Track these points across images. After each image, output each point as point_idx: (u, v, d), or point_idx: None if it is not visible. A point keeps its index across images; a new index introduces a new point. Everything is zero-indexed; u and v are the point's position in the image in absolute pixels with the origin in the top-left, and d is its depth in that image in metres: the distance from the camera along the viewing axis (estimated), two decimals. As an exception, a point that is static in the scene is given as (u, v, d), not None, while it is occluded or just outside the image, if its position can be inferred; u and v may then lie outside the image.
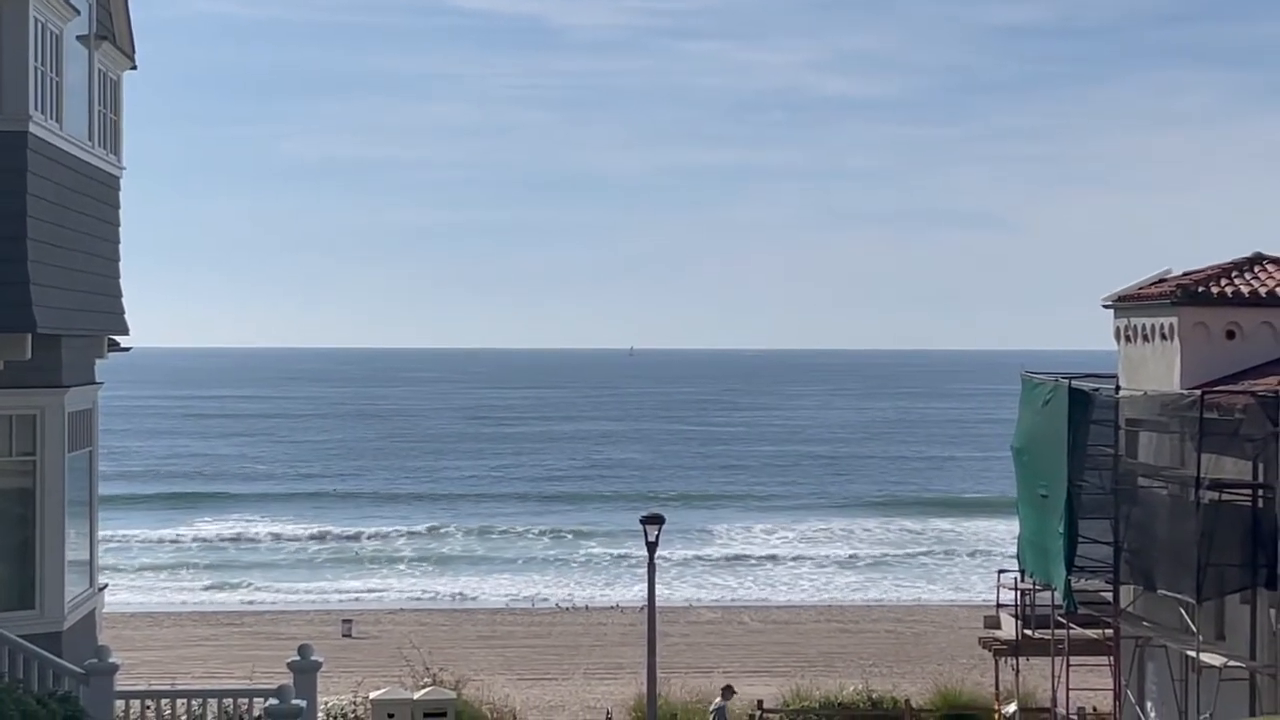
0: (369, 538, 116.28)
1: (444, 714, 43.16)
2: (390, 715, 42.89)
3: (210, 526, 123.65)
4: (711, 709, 42.55)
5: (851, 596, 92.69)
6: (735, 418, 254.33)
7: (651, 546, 44.17)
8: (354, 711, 45.02)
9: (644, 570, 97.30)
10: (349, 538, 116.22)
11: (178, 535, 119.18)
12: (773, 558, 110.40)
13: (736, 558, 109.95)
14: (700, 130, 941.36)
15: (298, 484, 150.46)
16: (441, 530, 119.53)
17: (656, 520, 44.34)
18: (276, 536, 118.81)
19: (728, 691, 42.36)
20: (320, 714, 44.64)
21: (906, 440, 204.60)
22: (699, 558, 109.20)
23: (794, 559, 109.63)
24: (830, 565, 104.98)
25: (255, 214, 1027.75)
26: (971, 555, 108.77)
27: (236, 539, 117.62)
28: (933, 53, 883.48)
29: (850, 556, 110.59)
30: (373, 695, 44.15)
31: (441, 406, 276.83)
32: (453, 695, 44.18)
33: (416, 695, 43.77)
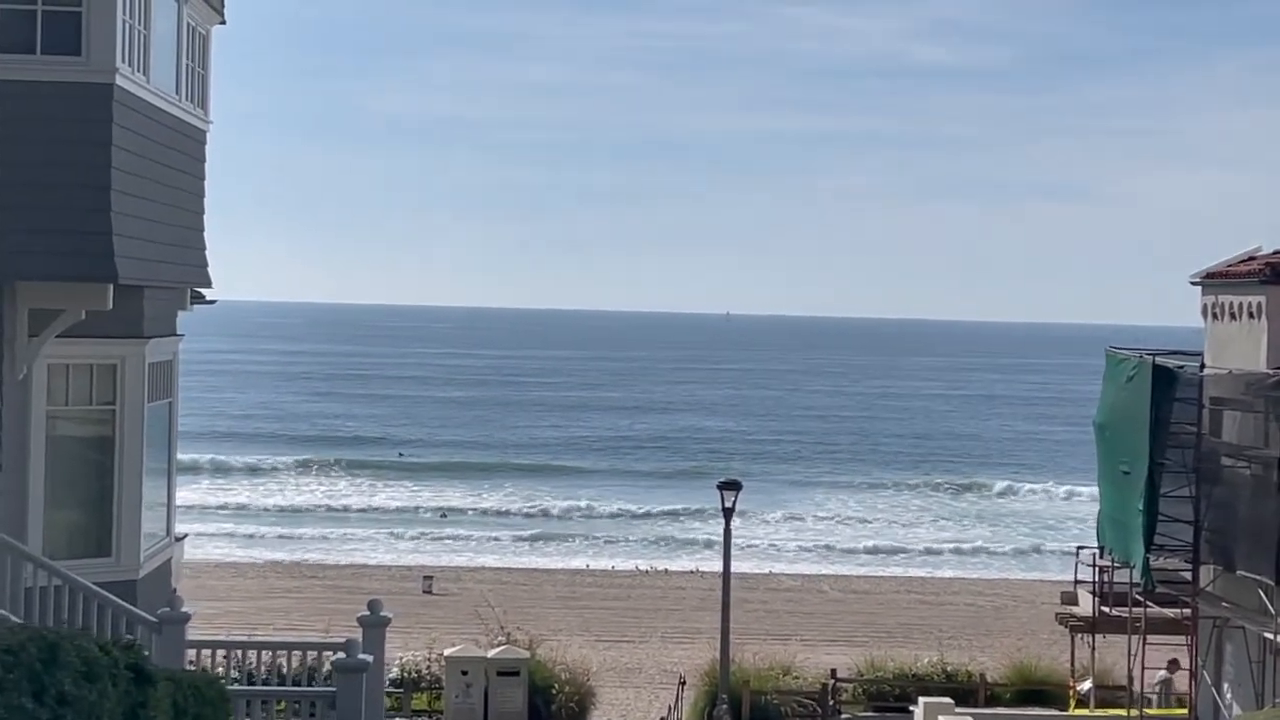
0: (457, 502, 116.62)
1: (517, 673, 43.39)
2: (464, 673, 43.13)
3: (304, 482, 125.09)
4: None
5: (934, 569, 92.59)
6: (829, 385, 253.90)
7: (728, 512, 44.26)
8: (429, 668, 45.24)
9: (734, 540, 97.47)
10: (439, 500, 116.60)
11: (277, 488, 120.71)
12: (859, 523, 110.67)
13: (819, 525, 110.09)
14: (794, 95, 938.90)
15: (381, 448, 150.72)
16: (531, 497, 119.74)
17: (734, 486, 44.42)
18: (361, 490, 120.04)
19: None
20: (396, 669, 45.01)
21: (998, 415, 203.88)
22: (785, 524, 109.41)
23: (873, 527, 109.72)
24: (916, 541, 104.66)
25: (348, 171, 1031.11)
26: (1061, 530, 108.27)
27: (329, 495, 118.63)
28: (1030, 21, 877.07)
29: (935, 530, 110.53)
30: (447, 652, 44.38)
31: (530, 370, 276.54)
32: (526, 655, 44.37)
33: (491, 654, 43.99)
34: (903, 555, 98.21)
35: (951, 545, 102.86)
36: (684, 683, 47.82)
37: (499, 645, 44.97)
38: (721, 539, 44.23)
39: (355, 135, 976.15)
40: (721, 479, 45.72)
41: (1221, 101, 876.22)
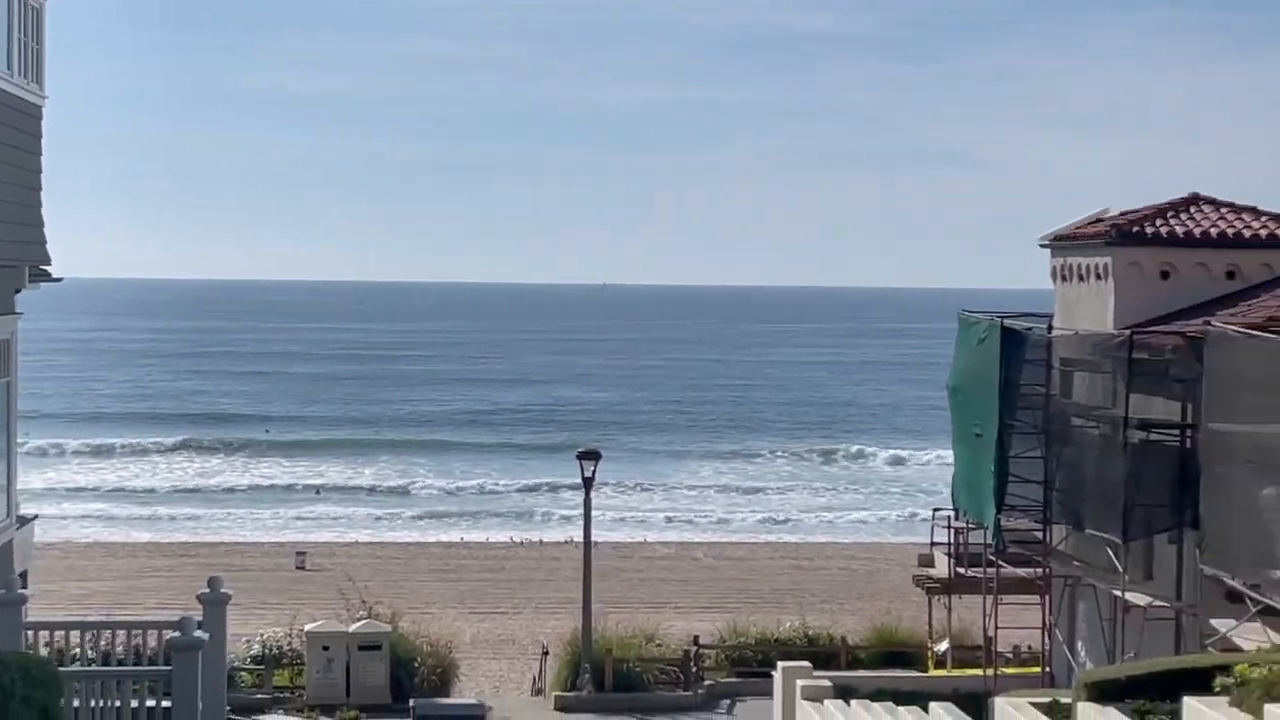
0: (332, 478, 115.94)
1: (379, 646, 43.28)
2: (325, 648, 42.97)
3: (177, 462, 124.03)
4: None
5: (808, 535, 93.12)
6: (706, 354, 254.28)
7: (588, 482, 44.34)
8: (289, 644, 45.00)
9: (607, 510, 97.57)
10: (313, 478, 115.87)
11: (149, 469, 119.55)
12: (734, 491, 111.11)
13: (692, 493, 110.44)
14: (676, 66, 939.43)
15: (252, 426, 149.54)
16: (406, 472, 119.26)
17: (593, 456, 44.49)
18: (237, 469, 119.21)
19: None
20: (257, 646, 44.78)
21: (874, 381, 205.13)
22: (660, 493, 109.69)
23: (747, 495, 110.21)
24: (790, 508, 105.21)
25: (221, 146, 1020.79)
26: (929, 494, 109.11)
27: (201, 475, 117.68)
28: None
29: (810, 496, 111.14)
30: (308, 628, 44.19)
31: (404, 344, 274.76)
32: (388, 629, 44.23)
33: (352, 628, 43.82)
34: (777, 522, 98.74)
35: (826, 511, 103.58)
36: (547, 653, 47.91)
37: (360, 620, 44.79)
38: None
39: (224, 109, 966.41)
40: (581, 449, 45.74)
41: (1095, 67, 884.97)
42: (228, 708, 31.90)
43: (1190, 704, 17.26)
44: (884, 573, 74.99)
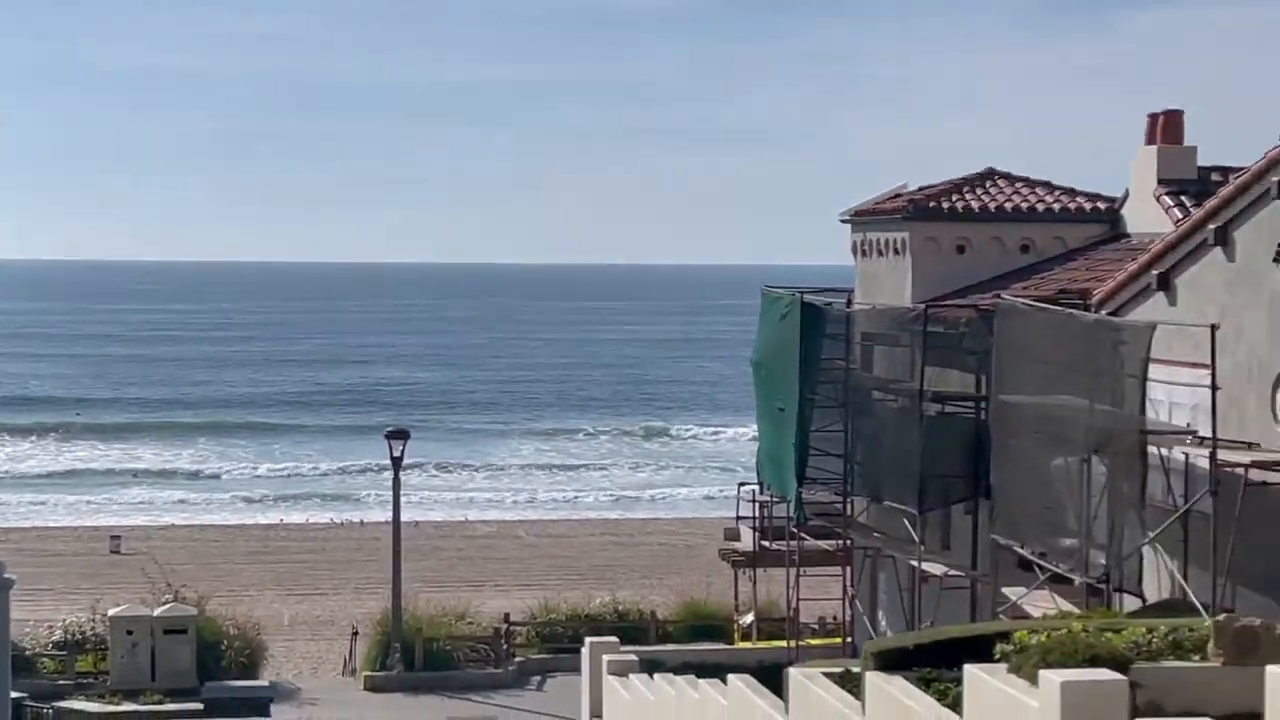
0: (149, 461, 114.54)
1: (184, 630, 42.95)
2: (129, 632, 42.56)
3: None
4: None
5: (628, 511, 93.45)
6: (526, 333, 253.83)
7: (396, 461, 44.25)
8: (93, 629, 44.51)
9: (429, 490, 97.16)
10: (130, 461, 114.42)
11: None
12: (556, 469, 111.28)
13: (514, 472, 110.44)
14: (495, 43, 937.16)
15: (64, 409, 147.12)
16: (225, 454, 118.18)
17: (401, 435, 44.41)
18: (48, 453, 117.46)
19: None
20: (60, 632, 44.26)
21: (696, 358, 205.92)
22: (481, 472, 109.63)
23: (569, 473, 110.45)
24: (611, 485, 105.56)
25: (22, 122, 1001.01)
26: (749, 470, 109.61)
27: (11, 459, 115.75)
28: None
29: (630, 473, 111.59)
30: (111, 612, 43.74)
31: (218, 324, 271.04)
32: (194, 612, 43.90)
33: (156, 612, 43.43)
34: (598, 499, 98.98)
35: (646, 487, 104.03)
36: (356, 633, 47.80)
37: (166, 604, 44.41)
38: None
39: (21, 81, 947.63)
40: (390, 429, 45.66)
41: (899, 44, 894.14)
42: (21, 694, 31.62)
43: (971, 671, 17.47)
44: (702, 547, 75.33)
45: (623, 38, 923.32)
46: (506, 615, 47.98)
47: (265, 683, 43.27)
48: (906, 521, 33.62)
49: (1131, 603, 26.81)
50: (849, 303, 38.00)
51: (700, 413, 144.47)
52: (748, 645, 41.50)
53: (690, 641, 44.34)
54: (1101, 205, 38.32)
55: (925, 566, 32.98)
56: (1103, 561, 26.21)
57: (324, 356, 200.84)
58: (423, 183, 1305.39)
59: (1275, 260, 25.41)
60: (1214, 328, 24.72)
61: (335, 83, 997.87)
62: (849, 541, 37.35)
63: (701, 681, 28.97)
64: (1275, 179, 25.20)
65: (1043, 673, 15.91)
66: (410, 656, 44.38)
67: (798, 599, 38.39)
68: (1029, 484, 28.64)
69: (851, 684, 21.13)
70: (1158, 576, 27.27)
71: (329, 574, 68.88)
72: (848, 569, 37.90)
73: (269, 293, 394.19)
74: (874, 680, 19.94)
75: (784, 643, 39.30)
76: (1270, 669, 13.52)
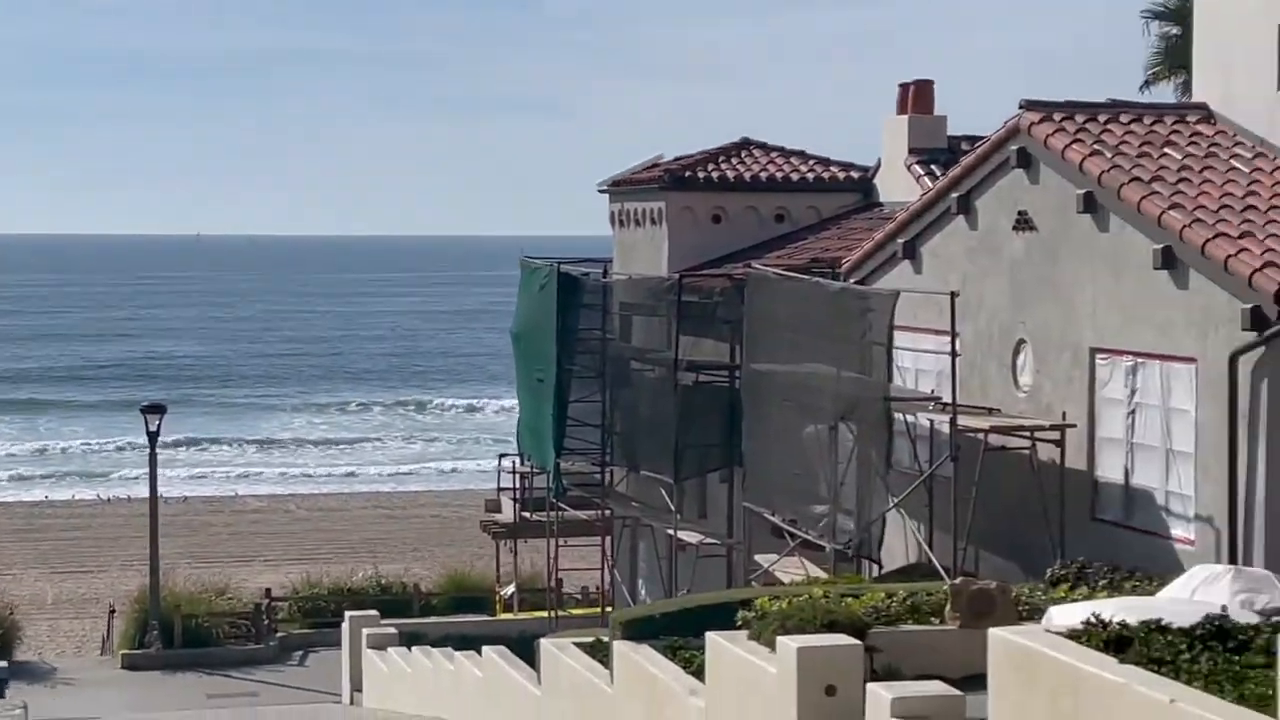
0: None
1: (-78, 611, 41.96)
2: None
3: None
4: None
5: (401, 484, 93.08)
6: (301, 305, 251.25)
7: (153, 436, 43.59)
8: None
9: (198, 464, 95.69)
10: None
11: None
12: (329, 444, 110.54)
13: (286, 446, 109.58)
14: (260, 12, 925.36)
15: None
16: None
17: (158, 410, 43.78)
18: None
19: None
20: None
21: (467, 330, 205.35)
22: (252, 446, 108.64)
23: (341, 447, 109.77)
24: (384, 458, 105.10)
25: None
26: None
27: None
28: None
29: (403, 444, 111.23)
30: None
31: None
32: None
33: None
34: (370, 472, 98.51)
35: (420, 460, 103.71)
36: (114, 611, 47.13)
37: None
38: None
39: None
40: (146, 403, 45.01)
41: (665, 16, 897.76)
42: None
43: (712, 639, 17.63)
44: (473, 520, 75.20)
45: (387, 4, 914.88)
46: (268, 590, 47.57)
47: (3, 663, 42.33)
48: (663, 491, 33.76)
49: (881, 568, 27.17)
50: (605, 273, 38.02)
51: (473, 384, 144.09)
52: (509, 617, 41.54)
53: (454, 614, 44.24)
54: (855, 174, 38.80)
55: (681, 535, 33.18)
56: (851, 527, 26.49)
57: (92, 330, 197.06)
58: (202, 155, 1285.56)
59: (1015, 228, 25.82)
60: (954, 295, 25.06)
61: (89, 51, 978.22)
62: (608, 511, 37.45)
63: (458, 654, 28.99)
64: (1015, 148, 25.58)
65: (780, 639, 16.06)
66: (169, 634, 43.76)
67: (556, 569, 38.44)
68: (779, 452, 28.86)
69: (602, 653, 21.22)
70: (905, 541, 27.64)
71: (95, 551, 67.93)
72: (607, 539, 37.98)
73: (30, 266, 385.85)
74: (621, 649, 20.04)
75: (544, 613, 39.36)
76: (992, 631, 13.73)
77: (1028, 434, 24.70)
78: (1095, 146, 24.29)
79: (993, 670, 13.56)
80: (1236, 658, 12.78)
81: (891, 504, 26.22)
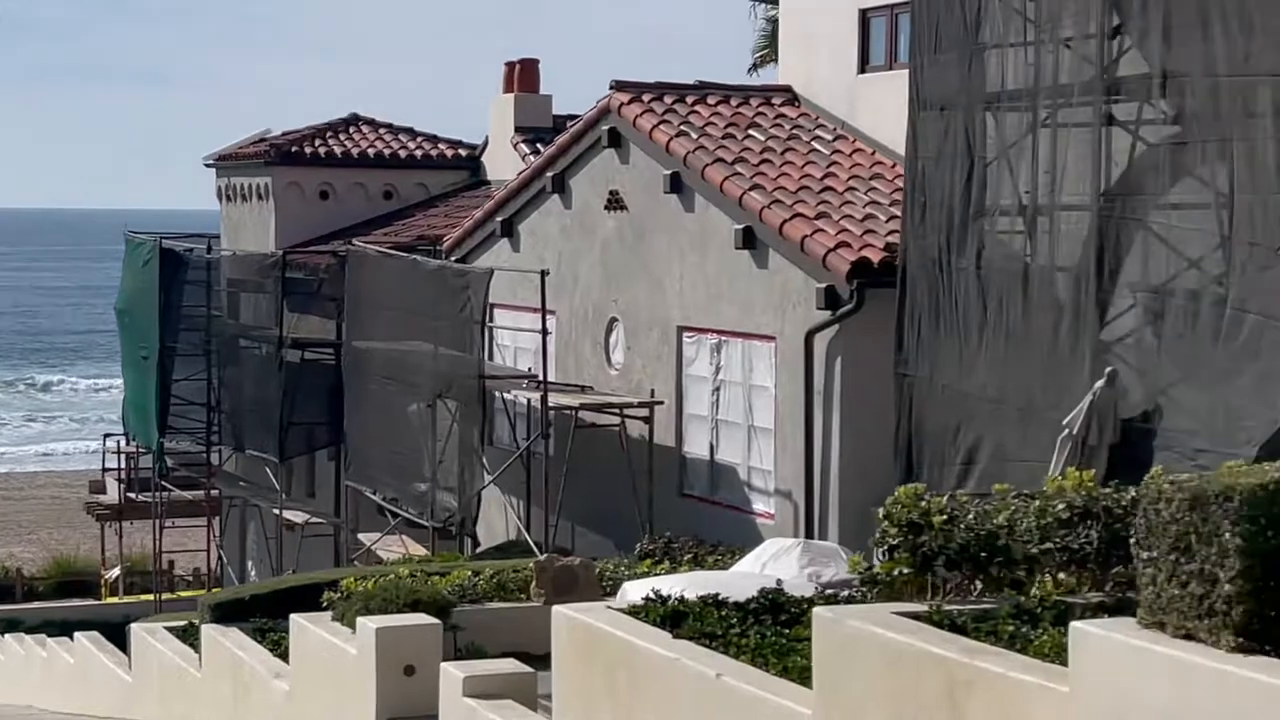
0: None
1: None
2: None
3: None
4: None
5: (18, 465, 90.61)
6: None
7: None
8: None
9: None
10: None
11: None
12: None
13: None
14: None
15: None
16: None
17: None
18: None
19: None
20: None
21: (86, 306, 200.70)
22: None
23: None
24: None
25: None
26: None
27: None
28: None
29: (21, 425, 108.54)
30: None
31: None
32: None
33: None
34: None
35: (39, 440, 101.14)
36: None
37: None
38: None
39: None
40: None
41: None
42: None
43: (295, 620, 17.57)
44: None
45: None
46: None
47: None
48: (269, 470, 33.51)
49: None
50: (210, 249, 37.50)
51: (99, 363, 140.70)
52: (115, 601, 40.79)
53: (60, 599, 43.25)
54: (463, 152, 38.92)
55: (287, 515, 33.01)
56: (452, 505, 26.59)
57: None
58: None
59: (607, 208, 26.15)
60: (544, 273, 25.33)
61: None
62: (215, 491, 37.03)
63: (50, 640, 28.37)
64: (606, 128, 25.91)
65: (360, 619, 16.08)
66: None
67: (161, 552, 37.89)
68: (380, 430, 28.87)
69: (193, 638, 20.98)
70: (506, 519, 27.85)
71: None
72: (214, 519, 37.53)
73: None
74: (209, 632, 19.86)
75: (151, 596, 38.77)
76: (555, 609, 13.89)
77: (617, 411, 25.07)
78: (682, 127, 24.74)
79: (555, 646, 13.73)
80: (787, 631, 13.05)
81: (487, 481, 26.38)
